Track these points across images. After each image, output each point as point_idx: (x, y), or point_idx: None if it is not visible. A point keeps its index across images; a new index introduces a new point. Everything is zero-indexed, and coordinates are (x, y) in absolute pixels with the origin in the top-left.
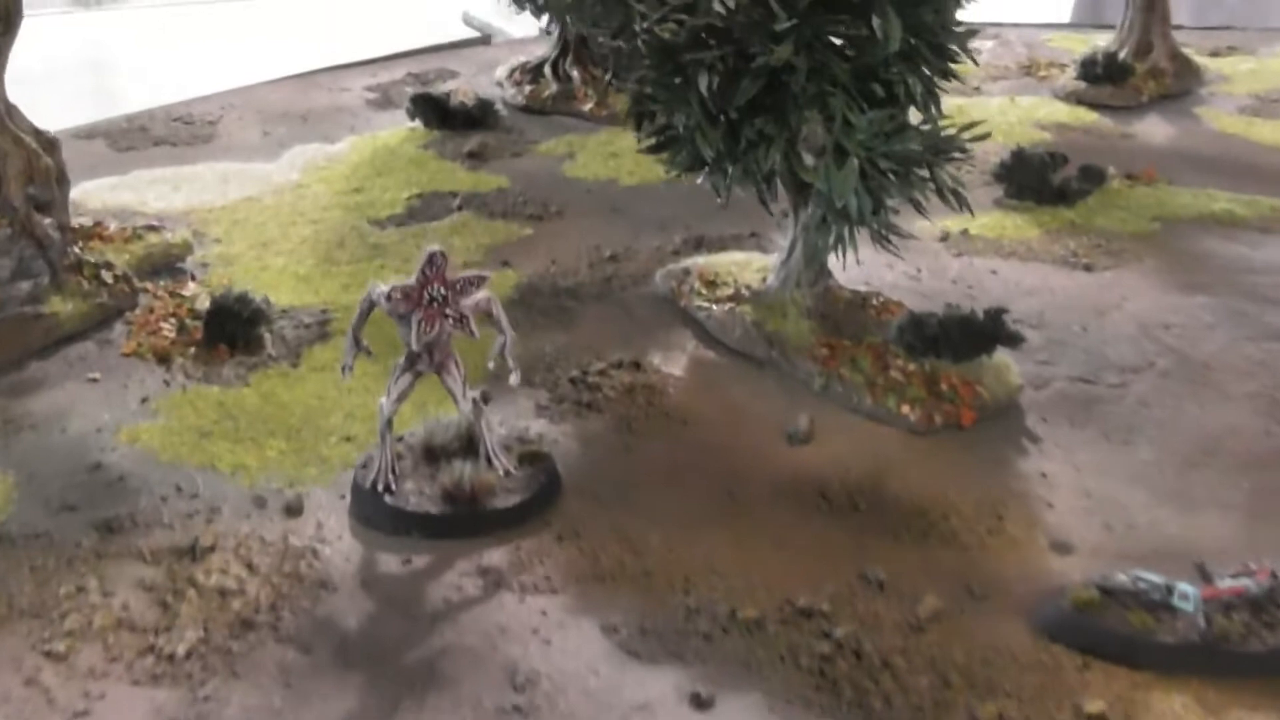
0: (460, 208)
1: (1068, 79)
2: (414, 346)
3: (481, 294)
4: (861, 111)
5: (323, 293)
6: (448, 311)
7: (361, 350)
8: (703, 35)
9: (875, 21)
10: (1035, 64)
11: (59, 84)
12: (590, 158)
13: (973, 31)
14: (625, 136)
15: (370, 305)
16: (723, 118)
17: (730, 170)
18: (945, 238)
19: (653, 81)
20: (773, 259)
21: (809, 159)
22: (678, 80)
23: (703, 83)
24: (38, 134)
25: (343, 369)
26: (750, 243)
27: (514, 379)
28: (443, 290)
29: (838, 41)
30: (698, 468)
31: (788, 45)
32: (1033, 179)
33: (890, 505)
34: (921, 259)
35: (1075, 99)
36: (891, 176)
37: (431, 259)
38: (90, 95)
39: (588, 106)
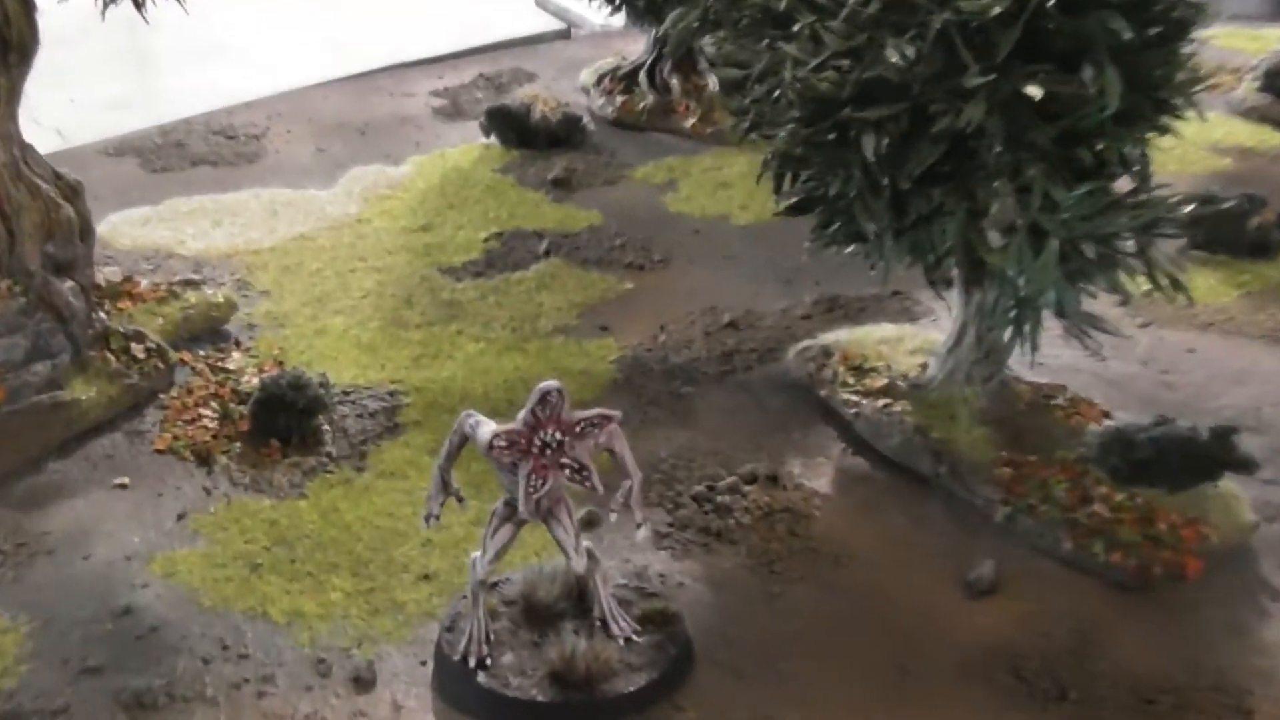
0: (548, 253)
1: (1247, 90)
2: (522, 507)
3: (605, 429)
4: (1064, 183)
5: (390, 366)
6: (564, 461)
7: (450, 495)
8: (870, 89)
9: (1088, 74)
10: (1201, 68)
11: (91, 44)
12: (695, 187)
13: (1199, 79)
14: (735, 160)
15: (462, 440)
16: (889, 185)
17: (894, 244)
18: (1125, 302)
19: (804, 140)
20: (928, 335)
21: (995, 237)
22: (834, 138)
23: (868, 146)
24: (58, 178)
25: (426, 518)
26: (894, 305)
27: (642, 534)
28: (558, 435)
29: (1035, 96)
30: (857, 627)
31: (979, 104)
32: (1226, 227)
33: (1104, 691)
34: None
35: (1258, 116)
36: (1093, 258)
37: (545, 399)
38: (123, 56)
39: (689, 123)
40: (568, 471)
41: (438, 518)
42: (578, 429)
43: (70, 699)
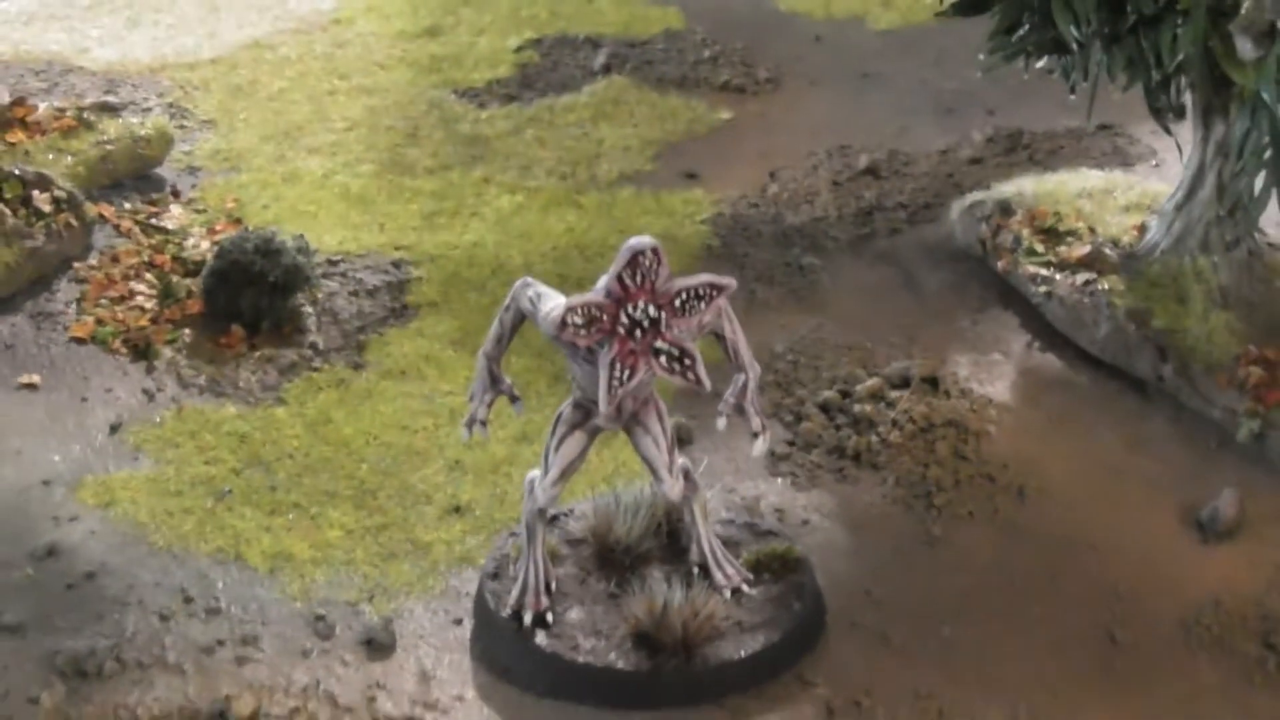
0: (608, 69)
1: None
2: (603, 405)
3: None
4: None
5: (392, 227)
6: (660, 345)
7: (502, 392)
8: None
9: None
10: None
11: None
12: None
13: None
14: None
15: (518, 318)
16: None
17: (1105, 58)
18: None
19: None
20: (1148, 186)
21: (1246, 47)
22: None
23: None
24: None
25: (467, 423)
26: (1101, 144)
27: (759, 446)
28: (653, 310)
29: None
30: (1052, 581)
31: None
32: None
33: None
34: None
35: None
36: None
37: (635, 261)
38: None
39: None
40: (663, 360)
41: (484, 424)
42: (678, 303)
43: None
